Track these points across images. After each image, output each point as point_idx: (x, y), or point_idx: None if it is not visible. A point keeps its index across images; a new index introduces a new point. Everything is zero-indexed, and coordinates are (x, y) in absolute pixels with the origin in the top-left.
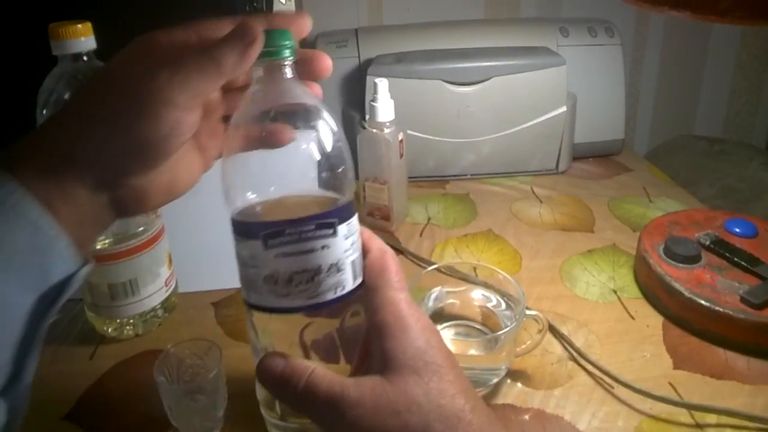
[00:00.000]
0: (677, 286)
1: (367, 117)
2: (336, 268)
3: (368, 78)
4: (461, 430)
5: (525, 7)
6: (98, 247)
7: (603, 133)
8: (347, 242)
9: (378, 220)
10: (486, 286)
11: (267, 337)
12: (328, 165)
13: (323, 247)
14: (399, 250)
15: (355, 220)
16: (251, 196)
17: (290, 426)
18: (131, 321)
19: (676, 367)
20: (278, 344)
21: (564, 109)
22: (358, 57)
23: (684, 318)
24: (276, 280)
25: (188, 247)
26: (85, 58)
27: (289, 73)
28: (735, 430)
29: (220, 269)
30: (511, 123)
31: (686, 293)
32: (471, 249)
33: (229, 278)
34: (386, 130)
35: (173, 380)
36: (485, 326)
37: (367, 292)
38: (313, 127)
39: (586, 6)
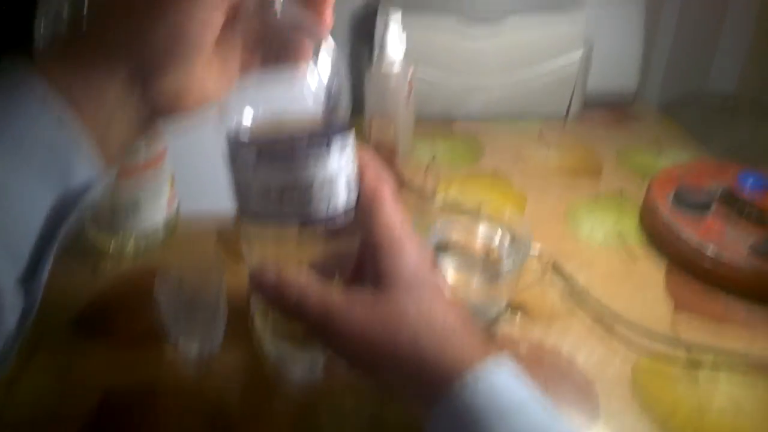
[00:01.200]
0: (685, 233)
1: (377, 53)
2: (329, 183)
3: (380, 13)
4: (450, 345)
5: None
6: None
7: (616, 81)
8: (341, 159)
9: (383, 157)
10: (491, 222)
11: (261, 251)
12: (324, 83)
13: (316, 163)
14: (403, 187)
15: (350, 139)
16: (245, 115)
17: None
18: (133, 239)
19: (677, 309)
20: (272, 260)
21: (579, 54)
22: None
23: (689, 265)
24: (268, 193)
25: (191, 169)
26: None
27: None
28: (731, 371)
29: (222, 192)
30: (524, 65)
31: (694, 241)
32: (476, 188)
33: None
34: (395, 68)
35: (174, 298)
36: (488, 260)
37: (362, 213)
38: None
39: None
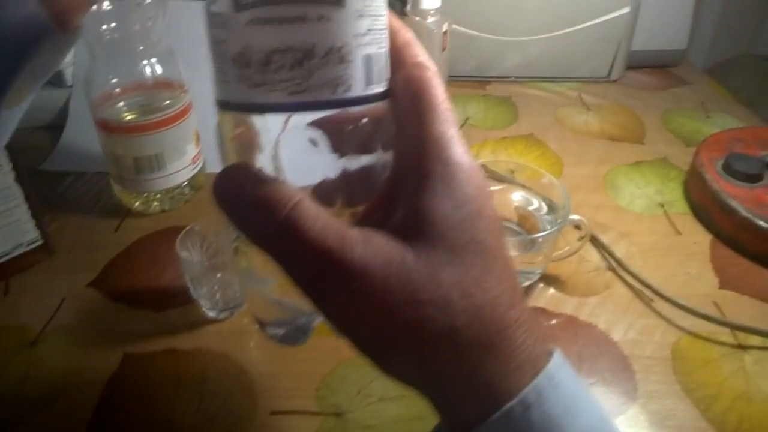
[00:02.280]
0: (734, 204)
1: (410, 3)
2: (338, 54)
3: None
4: (496, 347)
5: None
6: (124, 119)
7: (664, 41)
8: (361, 23)
9: None
10: (526, 187)
11: (237, 152)
12: None
13: (320, 18)
14: None
15: (382, 6)
16: None
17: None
18: (158, 196)
19: (721, 286)
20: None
21: (627, 10)
22: None
23: (736, 238)
24: (248, 60)
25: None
26: None
27: None
28: None
29: None
30: (565, 22)
31: (743, 212)
32: (510, 151)
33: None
34: (430, 19)
35: (196, 255)
36: (522, 228)
37: (399, 119)
38: None
39: None
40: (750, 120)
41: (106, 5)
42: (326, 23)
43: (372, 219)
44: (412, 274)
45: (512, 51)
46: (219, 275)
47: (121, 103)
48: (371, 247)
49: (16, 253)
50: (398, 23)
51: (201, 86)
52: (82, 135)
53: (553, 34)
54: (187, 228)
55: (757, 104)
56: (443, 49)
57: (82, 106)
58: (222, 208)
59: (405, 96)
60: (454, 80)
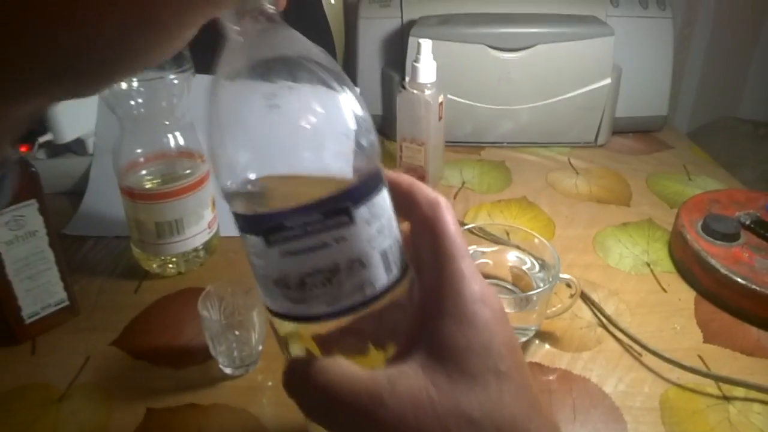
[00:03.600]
0: (713, 262)
1: (408, 78)
2: (359, 263)
3: (411, 38)
4: None
5: None
6: (147, 186)
7: (645, 108)
8: (371, 228)
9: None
10: (520, 248)
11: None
12: (339, 131)
13: (338, 240)
14: None
15: (381, 197)
16: (247, 174)
17: None
18: (174, 259)
19: (706, 341)
20: (293, 344)
21: (608, 81)
22: (401, 18)
23: (718, 294)
24: (287, 283)
25: None
26: None
27: (273, 15)
28: (763, 406)
29: None
30: (552, 92)
31: (722, 270)
32: (504, 214)
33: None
34: (427, 92)
35: (215, 314)
36: (517, 287)
37: (420, 258)
38: (321, 81)
39: None
40: (730, 182)
41: (135, 84)
42: (344, 242)
43: (400, 353)
44: (438, 408)
45: (504, 119)
46: (237, 333)
47: (144, 171)
48: (400, 394)
49: (44, 313)
50: (394, 174)
51: None
52: (101, 201)
53: (541, 103)
54: (207, 289)
55: (737, 166)
56: (440, 119)
57: (102, 174)
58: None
59: (423, 237)
60: (450, 145)
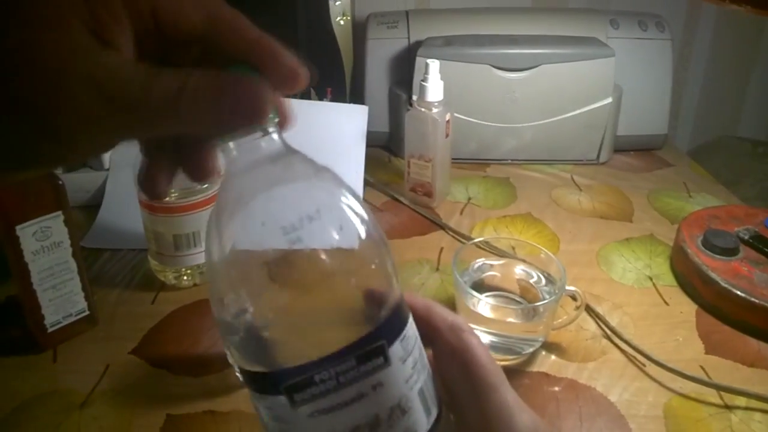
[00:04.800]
0: (714, 276)
1: (416, 96)
2: (400, 410)
3: (418, 59)
4: None
5: None
6: (165, 199)
7: (646, 127)
8: (407, 366)
9: (420, 196)
10: (527, 262)
11: None
12: (360, 260)
13: (376, 387)
14: (440, 226)
15: (410, 327)
16: (260, 321)
17: None
18: (189, 271)
19: (707, 352)
20: None
21: (609, 100)
22: (408, 38)
23: (718, 307)
24: None
25: None
26: None
27: (276, 141)
28: (764, 415)
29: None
30: (555, 111)
31: (722, 283)
32: (510, 229)
33: None
34: (434, 110)
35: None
36: (524, 299)
37: (451, 387)
38: (336, 211)
39: None
40: (729, 199)
41: None
42: (381, 388)
43: None
44: None
45: (508, 136)
46: None
47: None
48: None
49: (66, 322)
50: (408, 298)
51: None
52: (117, 215)
53: (544, 121)
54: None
55: (737, 184)
56: (446, 136)
57: (118, 189)
58: None
59: (451, 365)
60: (456, 162)
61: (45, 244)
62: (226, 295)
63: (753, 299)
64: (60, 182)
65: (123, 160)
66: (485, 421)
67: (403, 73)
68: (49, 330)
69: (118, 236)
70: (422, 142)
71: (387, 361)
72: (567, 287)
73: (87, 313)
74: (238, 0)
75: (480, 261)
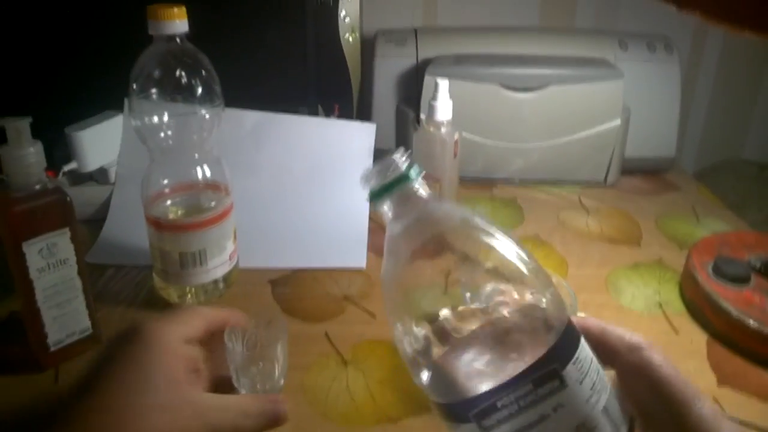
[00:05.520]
0: (725, 305)
1: (424, 116)
2: (585, 428)
3: (427, 77)
4: None
5: (581, 15)
6: (171, 217)
7: (654, 149)
8: (585, 387)
9: None
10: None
11: None
12: (530, 289)
13: (556, 408)
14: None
15: (583, 349)
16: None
17: None
18: (193, 290)
19: (720, 383)
20: None
21: (618, 122)
22: (416, 56)
23: (730, 337)
24: None
25: (251, 224)
26: (178, 40)
27: (423, 191)
28: None
29: (279, 248)
30: (563, 132)
31: (734, 313)
32: None
33: (287, 257)
34: (443, 130)
35: (240, 347)
36: None
37: (641, 407)
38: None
39: (644, 19)
40: (737, 224)
41: (167, 118)
42: (562, 409)
43: None
44: None
45: (516, 156)
46: (260, 365)
47: (169, 202)
48: None
49: (69, 341)
50: (580, 321)
51: (239, 187)
52: (121, 230)
53: (552, 142)
54: (231, 323)
55: (744, 207)
56: (455, 156)
57: (123, 203)
58: None
59: (637, 384)
60: (462, 181)
61: (51, 261)
62: (416, 337)
63: (766, 330)
64: (68, 198)
65: (129, 174)
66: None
67: (411, 90)
68: (52, 349)
69: (122, 252)
70: (430, 163)
71: (563, 383)
72: (579, 314)
73: (90, 331)
74: (247, 18)
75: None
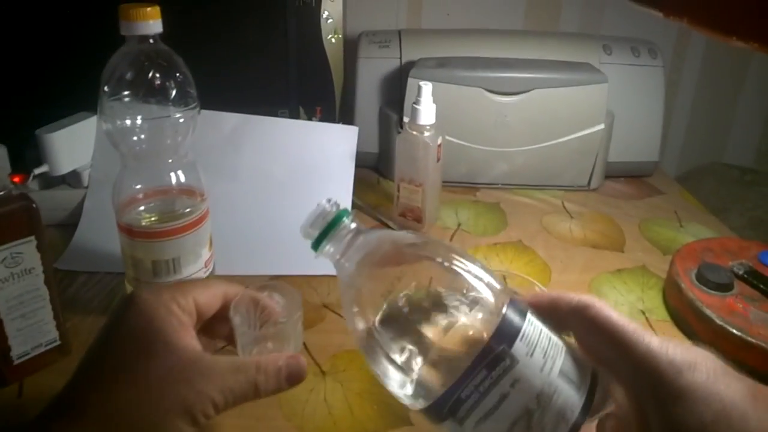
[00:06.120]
0: (708, 312)
1: (407, 119)
2: (545, 395)
3: (410, 80)
4: None
5: (565, 19)
6: (144, 223)
7: (637, 153)
8: (536, 357)
9: (410, 221)
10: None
11: None
12: (463, 288)
13: (513, 384)
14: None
15: (528, 323)
16: (413, 356)
17: None
18: None
19: None
20: None
21: (602, 126)
22: (400, 58)
23: (713, 345)
24: None
25: (228, 230)
26: (151, 41)
27: (357, 225)
28: None
29: (257, 255)
30: (547, 136)
31: (717, 320)
32: (501, 258)
33: (265, 264)
34: (426, 134)
35: (249, 321)
36: None
37: (605, 360)
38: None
39: (627, 23)
40: (719, 229)
41: (140, 122)
42: (519, 384)
43: None
44: None
45: (499, 160)
46: (270, 345)
47: (142, 207)
48: None
49: (34, 353)
50: (531, 297)
51: (216, 191)
52: (94, 235)
53: (536, 146)
54: (240, 295)
55: (726, 211)
56: (438, 160)
57: (96, 207)
58: None
59: (593, 340)
60: (445, 186)
61: (15, 271)
62: (396, 353)
63: (749, 338)
64: (34, 205)
65: (103, 177)
66: (644, 376)
67: (394, 93)
68: (15, 362)
69: (95, 258)
70: (413, 167)
71: (513, 360)
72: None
73: (58, 342)
74: (227, 18)
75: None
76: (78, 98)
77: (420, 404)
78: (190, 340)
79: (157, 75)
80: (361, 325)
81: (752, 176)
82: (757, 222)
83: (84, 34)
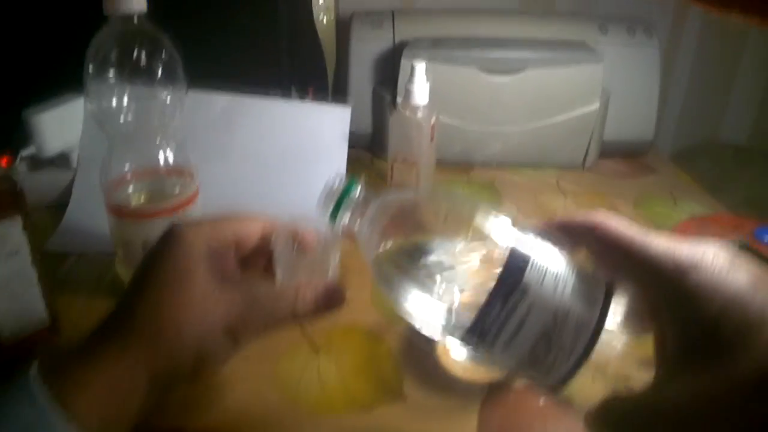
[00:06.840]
0: None
1: (401, 99)
2: (561, 314)
3: (404, 60)
4: None
5: None
6: (133, 204)
7: (632, 132)
8: (548, 282)
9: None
10: None
11: None
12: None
13: (530, 309)
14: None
15: (537, 253)
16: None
17: None
18: None
19: None
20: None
21: (597, 105)
22: (393, 38)
23: None
24: (523, 363)
25: (220, 211)
26: (135, 20)
27: (367, 192)
28: None
29: None
30: (541, 115)
31: None
32: None
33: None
34: (419, 114)
35: (289, 252)
36: None
37: (623, 271)
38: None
39: (623, 2)
40: (714, 207)
41: (126, 102)
42: (534, 308)
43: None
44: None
45: (493, 140)
46: (308, 273)
47: (131, 188)
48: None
49: (23, 334)
50: (541, 224)
51: (208, 172)
52: (84, 216)
53: (530, 124)
54: (281, 226)
55: (720, 190)
56: (431, 140)
57: (86, 188)
58: None
59: (607, 255)
60: (440, 165)
61: (1, 252)
62: (430, 291)
63: None
64: (18, 187)
65: (92, 157)
66: (655, 277)
67: (388, 73)
68: (5, 344)
69: (85, 239)
70: (406, 146)
71: (525, 289)
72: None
73: (48, 323)
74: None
75: None
76: (66, 79)
77: (458, 334)
78: (230, 270)
79: (143, 55)
80: (388, 266)
81: (747, 155)
82: (751, 200)
83: (72, 13)
